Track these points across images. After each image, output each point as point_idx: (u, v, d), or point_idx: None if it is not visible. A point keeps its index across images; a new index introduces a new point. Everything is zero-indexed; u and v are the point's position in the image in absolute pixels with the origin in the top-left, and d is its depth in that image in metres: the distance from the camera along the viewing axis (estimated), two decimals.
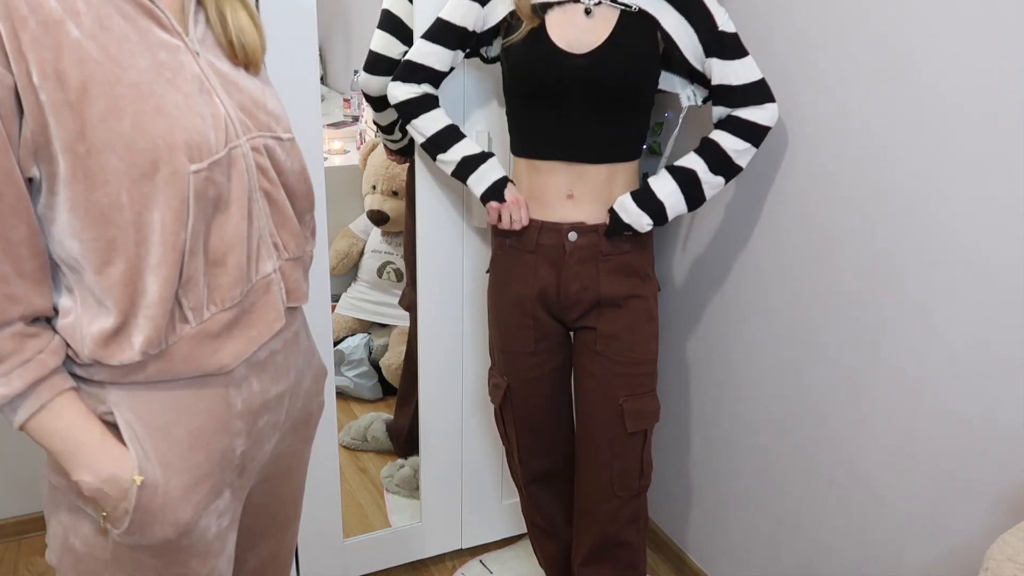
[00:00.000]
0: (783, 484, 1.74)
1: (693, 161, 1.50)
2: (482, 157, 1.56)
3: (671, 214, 1.51)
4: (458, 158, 1.56)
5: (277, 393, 1.03)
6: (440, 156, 1.58)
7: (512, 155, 1.59)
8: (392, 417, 2.50)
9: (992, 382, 1.29)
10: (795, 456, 1.69)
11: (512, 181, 1.57)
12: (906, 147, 1.36)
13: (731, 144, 1.48)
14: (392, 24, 1.77)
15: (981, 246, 1.27)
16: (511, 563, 2.11)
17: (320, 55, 2.89)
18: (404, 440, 2.41)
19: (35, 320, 0.86)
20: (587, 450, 1.63)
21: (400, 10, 1.76)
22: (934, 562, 1.42)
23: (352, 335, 2.87)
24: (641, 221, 1.49)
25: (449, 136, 1.57)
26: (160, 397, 0.92)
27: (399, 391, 2.47)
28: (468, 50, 1.56)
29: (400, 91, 1.56)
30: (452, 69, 1.57)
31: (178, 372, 0.91)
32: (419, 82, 1.56)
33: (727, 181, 1.51)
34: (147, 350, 0.87)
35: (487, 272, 1.69)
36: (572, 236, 1.52)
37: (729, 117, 1.49)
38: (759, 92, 1.47)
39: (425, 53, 1.54)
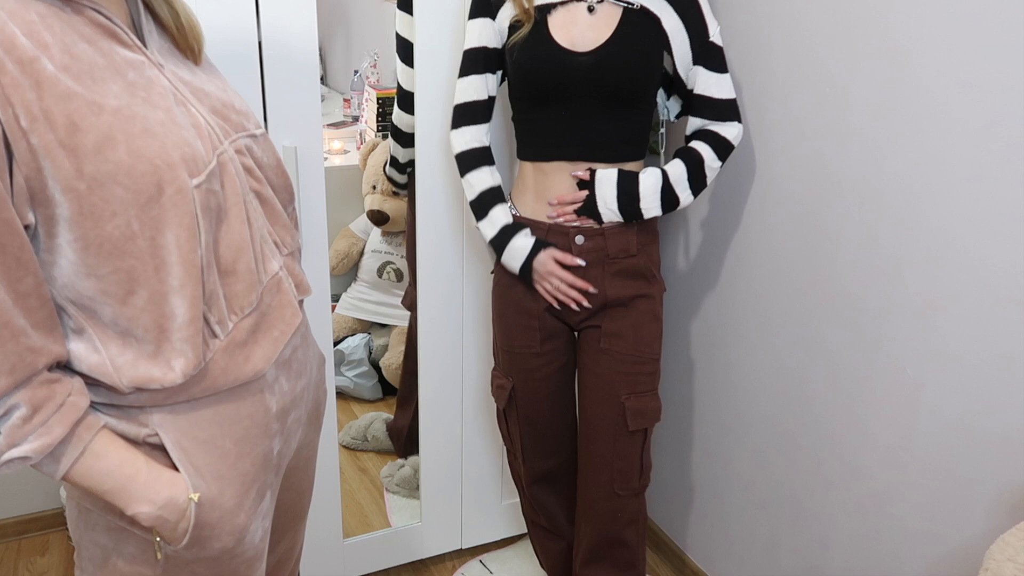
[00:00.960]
0: (783, 484, 1.74)
1: (675, 166, 1.52)
2: (517, 228, 1.54)
3: (644, 213, 1.50)
4: (498, 227, 1.54)
5: (301, 388, 1.04)
6: (480, 223, 1.57)
7: (518, 160, 1.59)
8: (392, 417, 2.50)
9: (992, 382, 1.29)
10: (795, 456, 1.69)
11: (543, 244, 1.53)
12: (906, 148, 1.36)
13: (710, 160, 1.51)
14: (410, 53, 1.79)
15: (981, 246, 1.27)
16: (511, 563, 2.11)
17: (320, 55, 2.89)
18: (404, 440, 2.41)
19: (51, 368, 0.83)
20: (589, 447, 1.64)
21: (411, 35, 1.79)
22: (934, 562, 1.42)
23: (352, 335, 2.87)
24: (606, 211, 1.48)
25: (491, 199, 1.56)
26: (203, 412, 0.91)
27: (399, 391, 2.47)
28: (499, 71, 1.56)
29: (456, 141, 1.57)
30: (491, 97, 1.56)
31: (218, 386, 0.90)
32: (470, 123, 1.55)
33: (694, 196, 1.53)
34: (188, 372, 0.86)
35: (491, 273, 1.69)
36: (579, 239, 1.52)
37: (708, 132, 1.52)
38: (733, 110, 1.51)
39: (463, 90, 1.55)
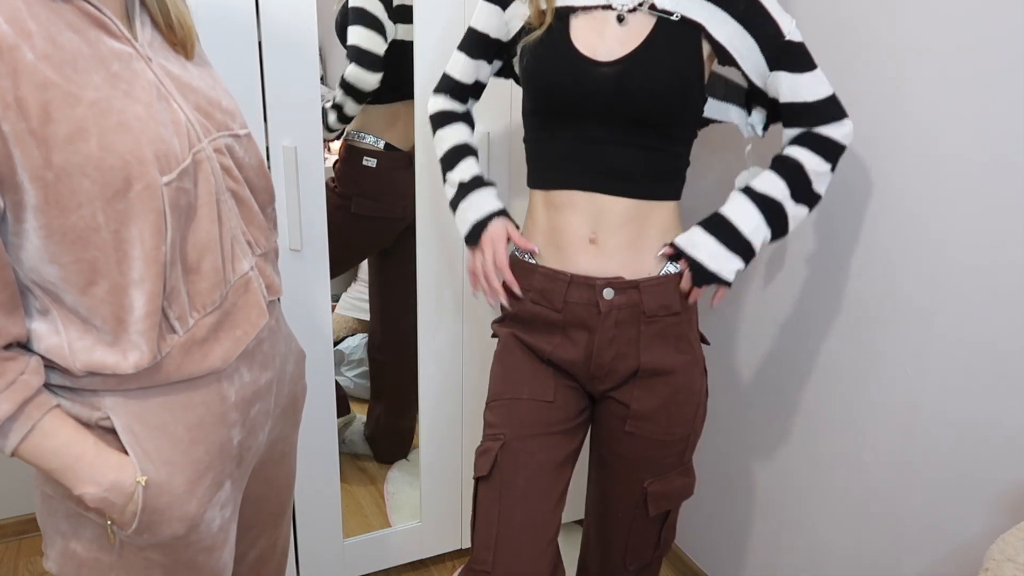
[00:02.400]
0: (783, 484, 1.74)
1: (773, 185, 1.25)
2: (478, 183, 1.35)
3: (758, 250, 1.25)
4: (469, 175, 1.36)
5: (267, 381, 1.04)
6: (448, 175, 1.39)
7: (529, 189, 1.35)
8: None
9: (992, 382, 1.29)
10: (796, 456, 1.69)
11: (508, 216, 1.35)
12: (906, 147, 1.36)
13: (815, 165, 1.24)
14: (367, 19, 1.90)
15: (981, 246, 1.27)
16: None
17: (320, 55, 2.89)
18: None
19: (8, 346, 0.85)
20: (600, 529, 1.45)
21: (373, 6, 1.90)
22: (934, 562, 1.42)
23: (352, 335, 2.87)
24: (729, 266, 1.23)
25: (457, 155, 1.38)
26: (156, 399, 0.92)
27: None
28: (497, 62, 1.41)
29: (433, 103, 1.43)
30: (478, 82, 1.41)
31: (171, 379, 0.91)
32: (451, 96, 1.42)
33: (808, 208, 1.26)
34: (141, 365, 0.87)
35: (492, 336, 1.43)
36: (608, 293, 1.25)
37: (806, 135, 1.26)
38: (835, 107, 1.25)
39: (454, 63, 1.40)
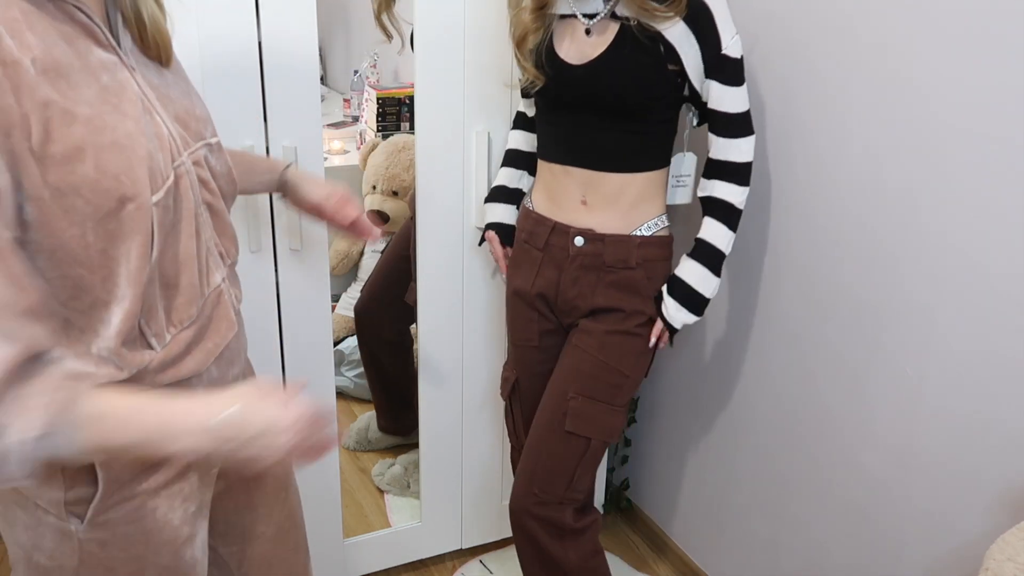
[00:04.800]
0: (784, 484, 1.74)
1: (715, 233, 1.49)
2: (498, 194, 1.70)
3: (710, 296, 1.50)
4: (495, 184, 1.71)
5: (233, 376, 1.05)
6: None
7: (538, 158, 1.61)
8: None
9: (993, 382, 1.29)
10: (795, 456, 1.69)
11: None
12: (906, 147, 1.36)
13: (735, 195, 1.48)
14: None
15: (982, 246, 1.27)
16: (511, 563, 2.10)
17: (320, 55, 2.89)
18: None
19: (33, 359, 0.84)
20: (528, 443, 1.59)
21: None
22: (934, 562, 1.42)
23: (352, 335, 2.87)
24: (680, 317, 1.49)
25: (504, 160, 1.73)
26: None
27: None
28: None
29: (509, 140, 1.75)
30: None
31: (140, 387, 0.90)
32: (519, 127, 1.73)
33: (734, 232, 1.51)
34: (110, 379, 0.86)
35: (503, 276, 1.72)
36: (578, 241, 1.50)
37: (724, 163, 1.47)
38: (748, 122, 1.46)
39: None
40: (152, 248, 0.85)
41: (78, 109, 0.79)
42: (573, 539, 1.57)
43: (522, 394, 1.69)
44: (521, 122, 1.73)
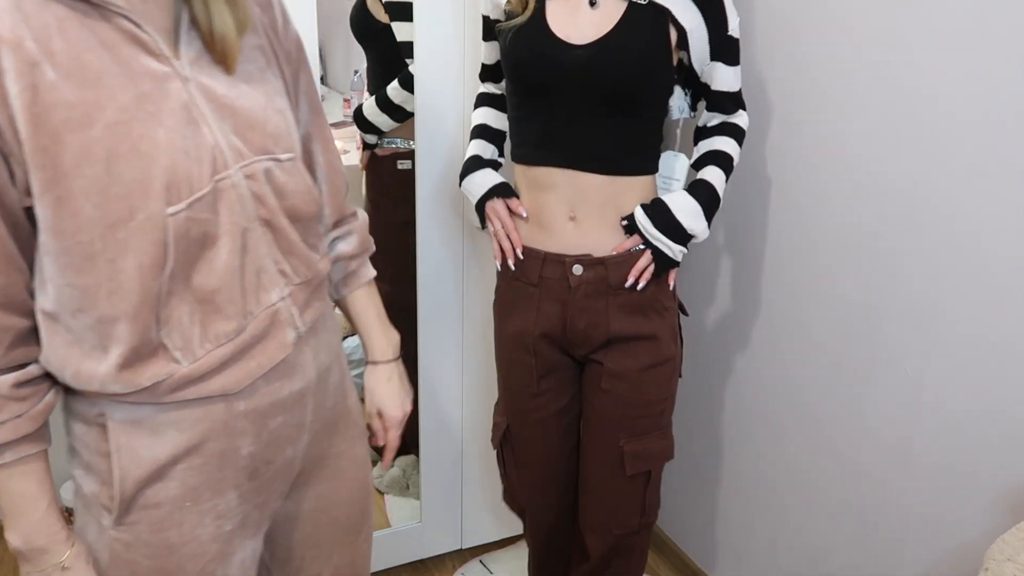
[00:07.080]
0: (784, 484, 1.74)
1: (714, 175, 1.41)
2: (476, 163, 1.49)
3: (696, 232, 1.38)
4: (468, 155, 1.51)
5: (291, 392, 0.99)
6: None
7: (513, 164, 1.46)
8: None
9: (992, 381, 1.29)
10: (795, 456, 1.69)
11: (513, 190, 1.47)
12: (906, 146, 1.36)
13: (736, 152, 1.44)
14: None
15: (981, 245, 1.27)
16: (511, 563, 2.11)
17: (320, 55, 2.89)
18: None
19: (33, 377, 0.87)
20: (585, 487, 1.55)
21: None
22: (934, 562, 1.42)
23: (353, 335, 2.87)
24: (663, 239, 1.37)
25: (472, 134, 1.55)
26: (152, 404, 0.91)
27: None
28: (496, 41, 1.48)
29: (479, 90, 1.59)
30: (499, 62, 1.47)
31: (164, 400, 0.90)
32: (483, 79, 1.56)
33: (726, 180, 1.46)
34: (125, 388, 0.87)
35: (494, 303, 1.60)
36: (577, 269, 1.39)
37: (726, 123, 1.44)
38: (741, 99, 1.45)
39: (483, 51, 1.52)
40: (166, 260, 0.84)
41: (102, 114, 0.79)
42: (637, 556, 1.62)
43: (514, 440, 1.59)
44: (488, 99, 1.56)
